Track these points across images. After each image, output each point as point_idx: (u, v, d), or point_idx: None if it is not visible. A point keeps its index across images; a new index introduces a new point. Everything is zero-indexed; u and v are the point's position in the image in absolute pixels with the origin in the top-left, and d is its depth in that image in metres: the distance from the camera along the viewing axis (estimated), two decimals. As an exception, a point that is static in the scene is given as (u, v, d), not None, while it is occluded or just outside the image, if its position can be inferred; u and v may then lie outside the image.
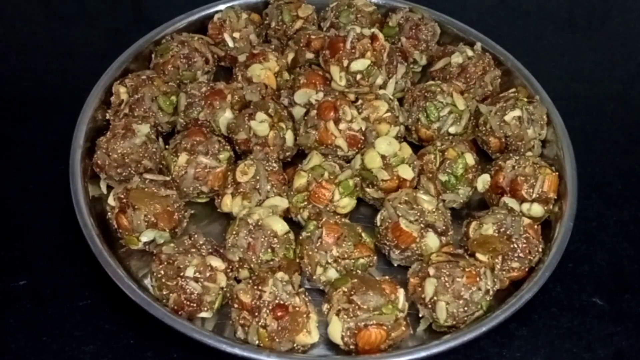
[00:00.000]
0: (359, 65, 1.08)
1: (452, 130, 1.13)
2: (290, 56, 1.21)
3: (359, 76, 1.08)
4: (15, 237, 1.05)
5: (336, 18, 1.25)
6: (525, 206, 1.04)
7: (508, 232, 0.98)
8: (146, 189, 0.98)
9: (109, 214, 0.99)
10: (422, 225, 0.98)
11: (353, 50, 1.08)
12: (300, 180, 1.02)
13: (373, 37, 1.09)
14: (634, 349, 0.98)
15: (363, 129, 1.08)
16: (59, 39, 1.38)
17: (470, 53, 1.20)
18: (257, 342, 0.88)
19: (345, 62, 1.08)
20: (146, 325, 0.93)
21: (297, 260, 0.97)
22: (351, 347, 0.90)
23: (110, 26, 1.41)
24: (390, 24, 1.27)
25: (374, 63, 1.08)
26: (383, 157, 1.04)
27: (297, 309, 0.88)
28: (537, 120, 1.12)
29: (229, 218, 1.03)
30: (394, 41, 1.24)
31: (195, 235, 0.96)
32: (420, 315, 0.95)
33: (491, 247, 0.97)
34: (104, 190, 1.06)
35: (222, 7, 1.28)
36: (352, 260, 0.95)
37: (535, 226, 1.01)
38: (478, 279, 0.92)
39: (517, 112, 1.11)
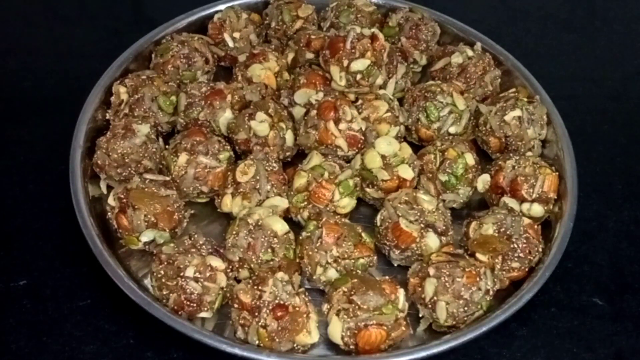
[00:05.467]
0: (359, 65, 1.08)
1: (452, 130, 1.13)
2: (290, 56, 1.21)
3: (359, 76, 1.08)
4: (15, 237, 1.05)
5: (336, 18, 1.25)
6: (525, 206, 1.04)
7: (508, 232, 0.98)
8: (146, 189, 0.98)
9: (109, 214, 0.99)
10: (422, 225, 0.98)
11: (353, 50, 1.07)
12: (300, 180, 1.02)
13: (373, 37, 1.09)
14: (634, 349, 0.98)
15: (363, 129, 1.08)
16: (59, 39, 1.38)
17: (470, 53, 1.20)
18: (257, 342, 0.88)
19: (345, 62, 1.08)
20: (146, 325, 0.93)
21: (297, 260, 0.97)
22: (351, 347, 0.89)
23: (110, 26, 1.41)
24: (390, 24, 1.27)
25: (374, 63, 1.08)
26: (383, 157, 1.04)
27: (297, 309, 0.88)
28: (537, 120, 1.12)
29: (229, 218, 1.03)
30: (394, 41, 1.24)
31: (195, 235, 0.96)
32: (420, 315, 0.95)
33: (491, 247, 0.97)
34: (104, 190, 1.06)
35: (222, 7, 1.28)
36: (352, 260, 0.95)
37: (535, 226, 1.01)
38: (478, 279, 0.92)
39: (517, 112, 1.11)
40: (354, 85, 1.10)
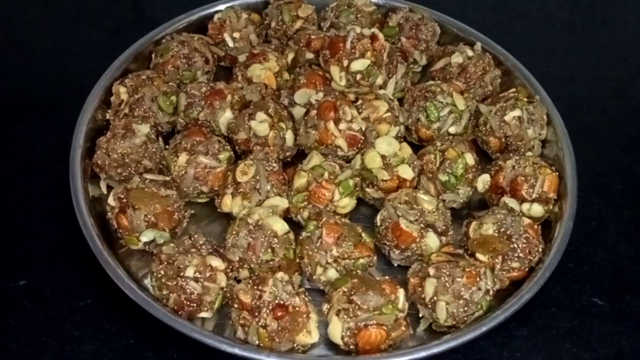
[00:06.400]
0: (359, 65, 1.08)
1: (452, 130, 1.13)
2: (290, 56, 1.21)
3: (358, 76, 1.08)
4: (15, 237, 1.05)
5: (336, 18, 1.25)
6: (525, 206, 1.04)
7: (508, 232, 0.98)
8: (146, 189, 0.98)
9: (109, 214, 0.99)
10: (422, 225, 0.98)
11: (353, 50, 1.07)
12: (300, 180, 1.02)
13: (373, 37, 1.09)
14: (634, 349, 0.98)
15: (363, 129, 1.08)
16: (59, 39, 1.38)
17: (470, 53, 1.20)
18: (257, 342, 0.88)
19: (345, 62, 1.08)
20: (146, 325, 0.93)
21: (297, 260, 0.97)
22: (351, 347, 0.89)
23: (110, 26, 1.41)
24: (390, 24, 1.27)
25: (374, 63, 1.08)
26: (383, 157, 1.04)
27: (297, 309, 0.88)
28: (537, 120, 1.12)
29: (229, 218, 1.03)
30: (394, 41, 1.24)
31: (195, 235, 0.96)
32: (420, 315, 0.95)
33: (491, 247, 0.97)
34: (104, 190, 1.06)
35: (222, 7, 1.28)
36: (352, 260, 0.95)
37: (535, 226, 1.01)
38: (478, 279, 0.92)
39: (517, 112, 1.11)
40: (354, 85, 1.10)
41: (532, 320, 1.00)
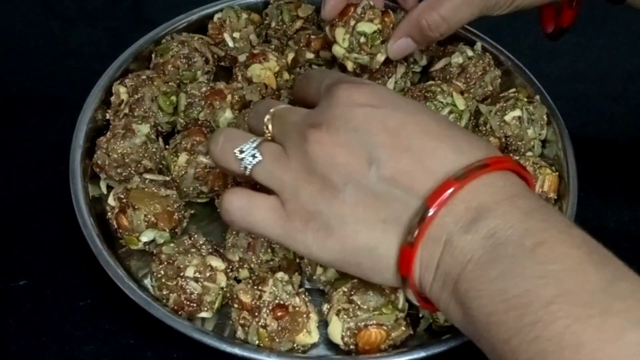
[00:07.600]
0: (366, 27, 1.05)
1: (452, 130, 1.12)
2: (290, 56, 1.21)
3: (362, 39, 1.07)
4: (15, 237, 1.04)
5: (336, 18, 1.25)
6: (525, 206, 1.03)
7: (508, 232, 0.98)
8: (146, 189, 0.98)
9: (109, 214, 0.99)
10: (422, 225, 0.98)
11: (362, 15, 1.06)
12: (300, 180, 1.02)
13: (384, 12, 1.08)
14: (634, 349, 0.98)
15: (363, 129, 1.08)
16: (59, 39, 1.38)
17: (470, 53, 1.20)
18: (257, 342, 0.88)
19: (352, 23, 1.06)
20: (146, 325, 0.93)
21: (297, 260, 0.97)
22: (351, 347, 0.89)
23: (110, 26, 1.40)
24: (390, 24, 1.26)
25: (380, 32, 1.07)
26: (383, 157, 1.04)
27: (297, 309, 0.88)
28: (537, 120, 1.12)
29: (229, 218, 1.03)
30: (394, 41, 1.24)
31: (195, 235, 0.95)
32: (420, 315, 0.95)
33: (491, 247, 0.97)
34: (104, 190, 1.06)
35: (222, 7, 1.28)
36: (352, 260, 0.95)
37: (536, 226, 1.00)
38: (478, 279, 0.92)
39: (517, 112, 1.11)
40: (355, 50, 1.08)
41: (532, 320, 1.00)
